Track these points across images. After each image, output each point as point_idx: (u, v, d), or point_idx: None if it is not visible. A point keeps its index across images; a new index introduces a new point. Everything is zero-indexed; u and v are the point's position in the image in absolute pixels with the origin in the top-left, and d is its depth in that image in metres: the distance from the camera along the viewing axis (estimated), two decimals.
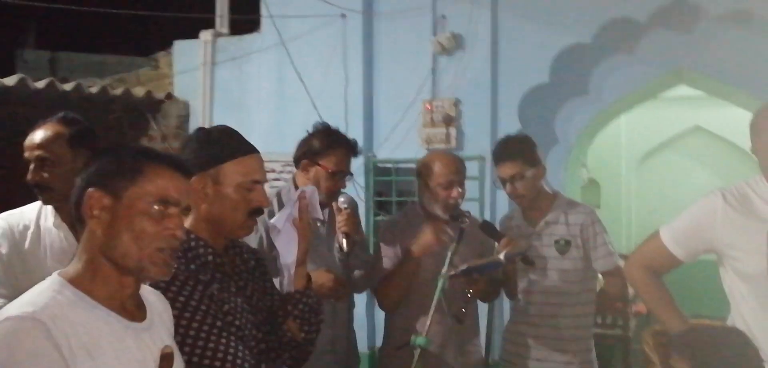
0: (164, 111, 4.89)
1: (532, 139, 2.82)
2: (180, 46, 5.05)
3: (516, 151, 2.70)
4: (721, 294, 2.22)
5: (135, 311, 1.36)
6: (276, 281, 2.02)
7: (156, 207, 1.31)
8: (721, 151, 7.56)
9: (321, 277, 2.52)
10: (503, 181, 2.72)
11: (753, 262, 1.99)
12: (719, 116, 7.24)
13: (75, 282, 1.29)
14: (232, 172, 1.68)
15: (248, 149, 1.73)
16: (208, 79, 4.87)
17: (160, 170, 1.34)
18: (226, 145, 1.71)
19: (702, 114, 7.42)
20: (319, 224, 2.66)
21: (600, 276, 2.81)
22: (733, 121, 7.06)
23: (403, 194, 4.30)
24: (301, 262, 1.82)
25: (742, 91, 4.00)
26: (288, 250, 1.81)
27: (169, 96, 4.93)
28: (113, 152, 1.37)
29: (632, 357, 5.20)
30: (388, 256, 2.74)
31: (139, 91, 4.74)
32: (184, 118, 4.91)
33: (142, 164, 1.33)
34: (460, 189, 2.69)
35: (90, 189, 1.30)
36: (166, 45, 5.15)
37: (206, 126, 4.58)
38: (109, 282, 1.30)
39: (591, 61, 4.14)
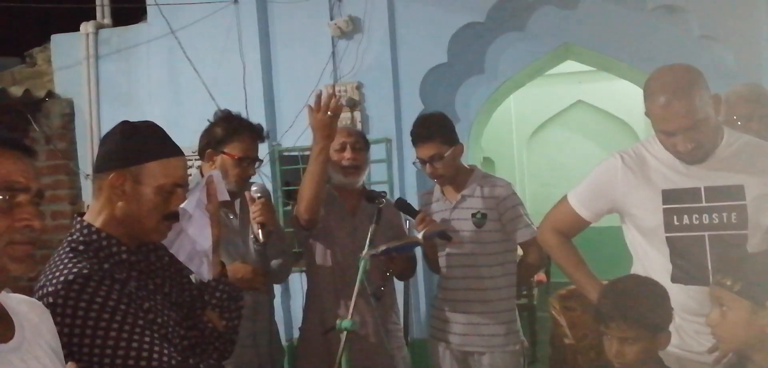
0: (46, 110, 4.51)
1: (448, 117, 2.85)
2: (58, 41, 4.68)
3: (434, 132, 2.73)
4: (619, 259, 2.36)
5: None
6: None
7: (1, 197, 1.16)
8: (602, 122, 8.10)
9: (239, 270, 2.45)
10: (422, 162, 2.75)
11: (650, 217, 2.12)
12: (599, 90, 7.74)
13: None
14: (156, 172, 1.59)
15: (174, 151, 1.65)
16: (92, 74, 4.54)
17: (0, 153, 1.18)
18: (152, 143, 1.62)
19: (583, 89, 7.89)
20: (231, 217, 2.58)
21: (519, 247, 2.88)
22: (610, 94, 7.61)
23: None
24: (214, 249, 1.76)
25: (622, 63, 4.24)
26: (203, 236, 1.74)
27: (50, 94, 4.56)
28: None
29: (537, 324, 5.48)
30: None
31: (16, 91, 4.35)
32: (69, 117, 4.56)
33: None
34: (354, 153, 2.75)
35: None
36: (42, 40, 4.77)
37: (91, 121, 4.40)
38: None
39: (485, 39, 4.24)
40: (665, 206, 2.08)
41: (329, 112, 2.39)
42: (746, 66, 3.70)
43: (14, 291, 1.31)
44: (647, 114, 2.08)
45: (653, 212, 2.10)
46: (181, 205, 1.63)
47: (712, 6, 3.78)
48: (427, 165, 2.73)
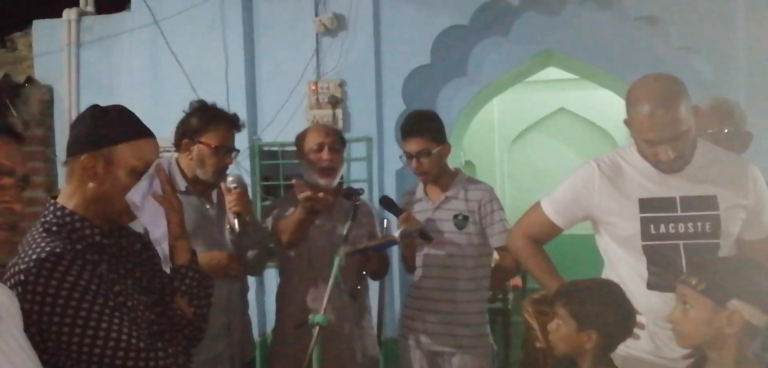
0: (25, 96, 4.46)
1: (439, 116, 2.87)
2: (40, 26, 4.64)
3: (424, 128, 2.75)
4: (591, 266, 2.39)
5: None
6: None
7: None
8: (583, 130, 8.16)
9: (214, 257, 2.44)
10: (409, 156, 2.76)
11: (627, 226, 2.12)
12: (581, 98, 7.81)
13: None
14: (127, 154, 1.60)
15: (145, 133, 1.65)
16: (73, 62, 4.51)
17: None
18: (122, 125, 1.62)
19: (566, 96, 7.96)
20: (208, 206, 2.58)
21: (495, 252, 2.89)
22: (592, 102, 7.67)
23: (291, 177, 4.18)
24: (179, 236, 1.73)
25: (603, 71, 4.28)
26: (156, 225, 1.72)
27: (30, 80, 4.51)
28: None
29: (511, 329, 5.51)
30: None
31: None
32: (48, 103, 4.52)
33: None
34: (331, 154, 2.71)
35: None
36: (23, 25, 4.72)
37: (70, 108, 4.36)
38: None
39: (469, 42, 4.26)
40: (642, 215, 2.09)
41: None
42: (723, 78, 3.77)
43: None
44: (629, 122, 2.07)
45: (630, 221, 2.11)
46: (127, 196, 1.61)
47: (692, 18, 3.83)
48: (414, 160, 2.74)
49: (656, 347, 2.09)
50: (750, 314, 1.61)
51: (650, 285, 2.09)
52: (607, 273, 2.26)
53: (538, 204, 2.34)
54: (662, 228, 2.08)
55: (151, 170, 1.66)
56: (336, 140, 2.77)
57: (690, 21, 3.84)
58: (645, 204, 2.09)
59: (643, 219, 2.09)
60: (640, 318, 2.01)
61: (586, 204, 2.21)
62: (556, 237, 2.35)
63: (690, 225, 2.06)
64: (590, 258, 2.47)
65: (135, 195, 1.62)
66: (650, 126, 1.98)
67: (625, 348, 2.08)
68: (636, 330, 2.01)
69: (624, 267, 2.17)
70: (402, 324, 2.96)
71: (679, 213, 2.07)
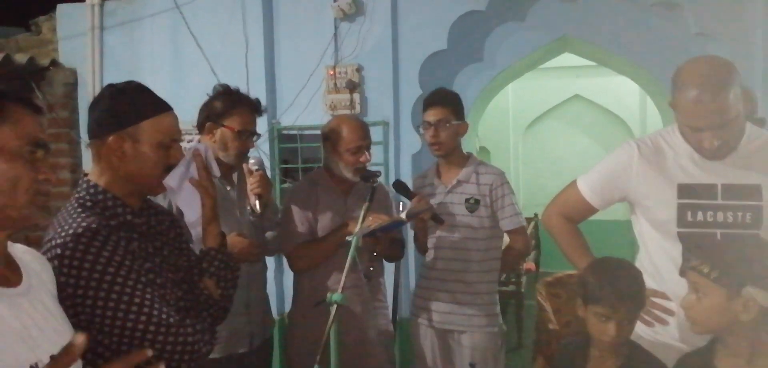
0: (49, 79, 4.55)
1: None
2: (64, 10, 4.72)
3: (446, 99, 2.84)
4: (623, 251, 2.37)
5: (7, 274, 1.25)
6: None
7: (29, 149, 1.23)
8: (598, 117, 8.15)
9: (236, 244, 2.50)
10: (428, 124, 2.82)
11: (663, 211, 2.06)
12: (596, 85, 7.79)
13: None
14: (152, 130, 1.65)
15: (164, 107, 1.70)
16: (96, 45, 4.59)
17: (23, 111, 1.24)
18: (142, 103, 1.67)
19: (580, 83, 7.95)
20: (228, 188, 2.64)
21: (505, 235, 2.93)
22: (607, 89, 7.66)
23: (309, 161, 4.30)
24: (210, 220, 1.81)
25: (619, 57, 4.29)
26: (192, 209, 1.79)
27: (54, 63, 4.59)
28: None
29: (525, 311, 5.57)
30: (299, 220, 2.77)
31: (21, 58, 4.38)
32: (72, 86, 4.60)
33: (2, 105, 1.22)
34: (368, 154, 2.77)
35: None
36: (48, 9, 4.80)
37: (93, 91, 4.44)
38: None
39: (485, 28, 4.29)
40: (680, 201, 2.03)
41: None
42: (740, 64, 3.68)
43: (26, 243, 1.40)
44: (674, 105, 1.98)
45: (667, 205, 2.05)
46: (164, 180, 1.68)
47: (709, 4, 3.83)
48: (432, 128, 2.79)
49: (685, 334, 2.00)
50: (765, 299, 1.58)
51: (683, 272, 1.97)
52: (641, 258, 2.22)
53: (574, 183, 2.30)
54: (700, 216, 2.00)
55: (188, 156, 1.73)
56: (371, 140, 2.81)
57: (707, 7, 3.84)
58: (684, 190, 2.02)
59: (680, 205, 2.02)
60: (670, 304, 2.00)
61: (623, 185, 2.16)
62: (591, 216, 2.30)
63: (729, 214, 1.97)
64: (623, 242, 2.44)
65: (172, 179, 1.69)
66: (695, 112, 1.89)
67: (653, 334, 2.07)
68: (665, 316, 1.99)
69: (658, 251, 2.11)
70: (414, 303, 3.02)
71: (719, 202, 1.98)
